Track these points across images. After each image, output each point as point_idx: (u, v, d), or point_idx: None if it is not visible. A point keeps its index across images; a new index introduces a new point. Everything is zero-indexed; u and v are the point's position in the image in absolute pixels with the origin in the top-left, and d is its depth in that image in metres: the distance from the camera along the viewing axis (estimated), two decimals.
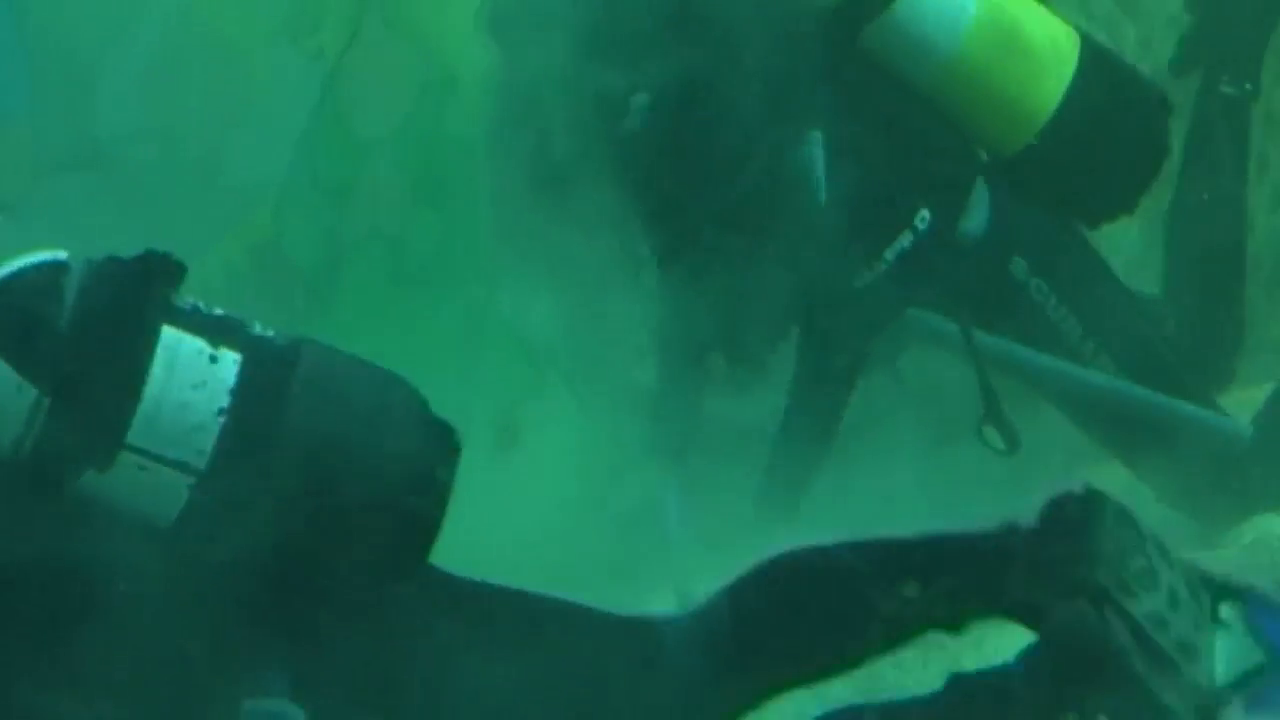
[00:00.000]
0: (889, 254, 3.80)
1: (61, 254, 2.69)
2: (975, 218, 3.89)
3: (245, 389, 2.62)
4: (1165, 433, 3.97)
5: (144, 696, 2.67)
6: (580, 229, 3.87)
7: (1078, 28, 3.91)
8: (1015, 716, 2.67)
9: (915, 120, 3.86)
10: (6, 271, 2.66)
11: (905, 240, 3.82)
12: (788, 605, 2.84)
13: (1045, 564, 2.68)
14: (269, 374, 2.64)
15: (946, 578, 2.75)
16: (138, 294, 2.65)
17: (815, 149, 3.82)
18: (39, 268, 2.67)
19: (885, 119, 3.87)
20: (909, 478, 3.93)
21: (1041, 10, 3.87)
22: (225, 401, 2.61)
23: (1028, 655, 2.66)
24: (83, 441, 2.60)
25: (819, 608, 2.81)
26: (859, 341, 3.83)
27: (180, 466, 2.60)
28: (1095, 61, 3.85)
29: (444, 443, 2.73)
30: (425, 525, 2.69)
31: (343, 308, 4.07)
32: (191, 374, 2.62)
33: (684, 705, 2.79)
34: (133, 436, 2.58)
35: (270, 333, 2.68)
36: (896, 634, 2.79)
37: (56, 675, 2.64)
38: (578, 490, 3.70)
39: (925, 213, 3.83)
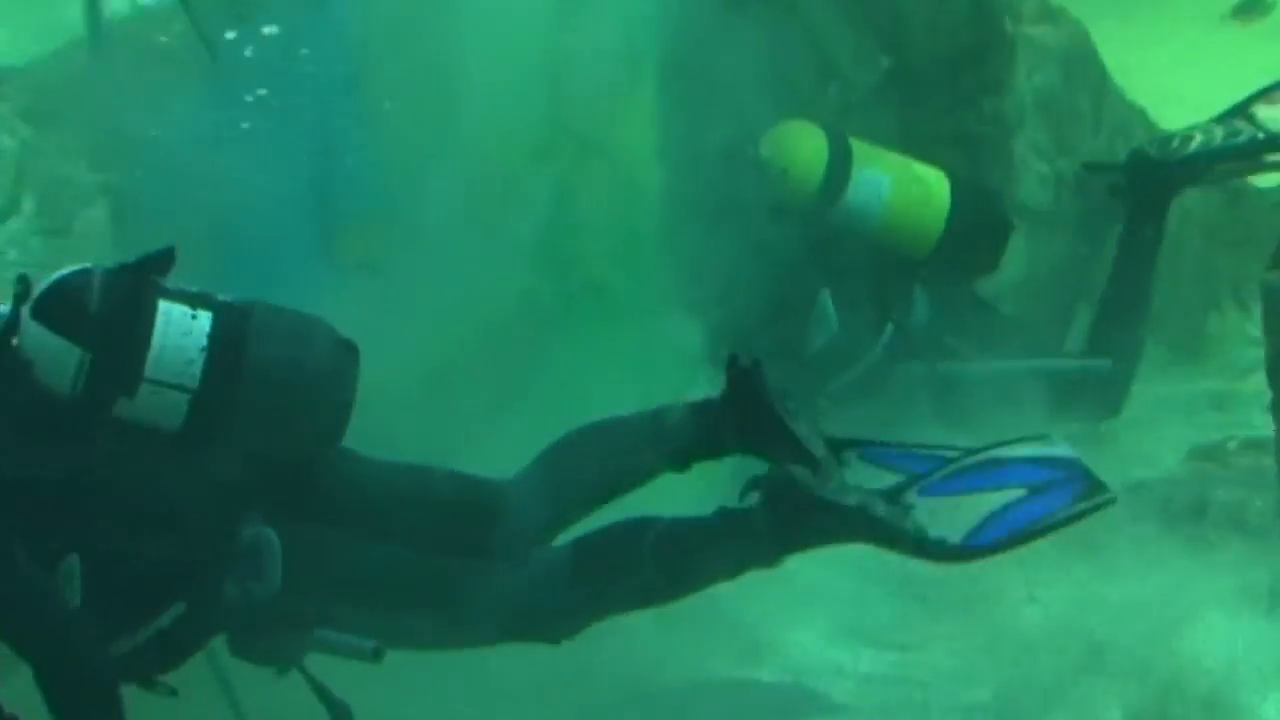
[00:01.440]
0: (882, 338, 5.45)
1: (88, 264, 3.21)
2: (920, 309, 5.49)
3: (218, 333, 3.15)
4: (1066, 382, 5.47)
5: (178, 535, 3.20)
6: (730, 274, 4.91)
7: (942, 168, 5.42)
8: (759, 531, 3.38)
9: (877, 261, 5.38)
10: (55, 277, 3.19)
11: (888, 330, 5.45)
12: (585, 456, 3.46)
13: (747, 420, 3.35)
14: (233, 323, 3.17)
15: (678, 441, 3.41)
16: (140, 281, 3.12)
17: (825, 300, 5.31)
18: (75, 274, 3.20)
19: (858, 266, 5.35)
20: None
21: (913, 166, 5.38)
22: (205, 342, 3.14)
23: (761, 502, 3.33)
24: (116, 379, 3.07)
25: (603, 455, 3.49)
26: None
27: (180, 389, 3.13)
28: (957, 188, 5.41)
29: (350, 353, 3.28)
30: (343, 402, 3.25)
31: (572, 337, 4.73)
32: (181, 327, 3.13)
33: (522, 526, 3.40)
34: (149, 371, 3.11)
35: (231, 299, 3.21)
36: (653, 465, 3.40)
37: (118, 529, 3.14)
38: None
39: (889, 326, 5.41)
